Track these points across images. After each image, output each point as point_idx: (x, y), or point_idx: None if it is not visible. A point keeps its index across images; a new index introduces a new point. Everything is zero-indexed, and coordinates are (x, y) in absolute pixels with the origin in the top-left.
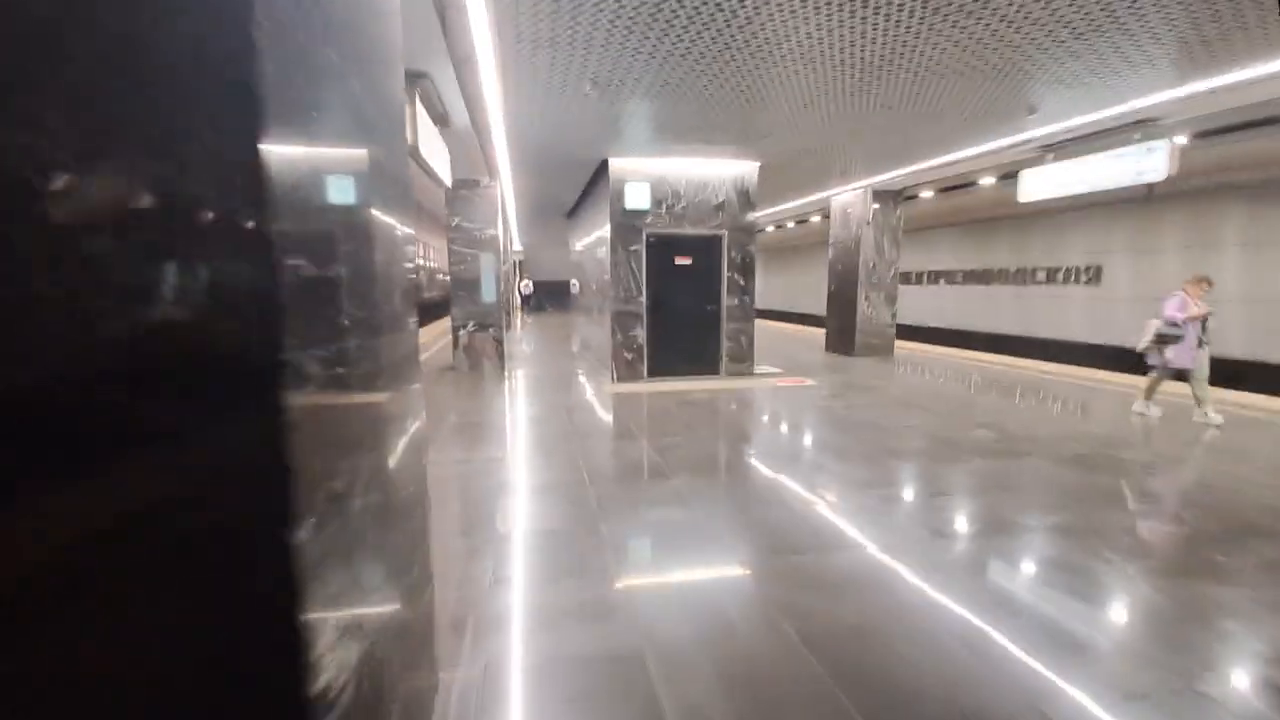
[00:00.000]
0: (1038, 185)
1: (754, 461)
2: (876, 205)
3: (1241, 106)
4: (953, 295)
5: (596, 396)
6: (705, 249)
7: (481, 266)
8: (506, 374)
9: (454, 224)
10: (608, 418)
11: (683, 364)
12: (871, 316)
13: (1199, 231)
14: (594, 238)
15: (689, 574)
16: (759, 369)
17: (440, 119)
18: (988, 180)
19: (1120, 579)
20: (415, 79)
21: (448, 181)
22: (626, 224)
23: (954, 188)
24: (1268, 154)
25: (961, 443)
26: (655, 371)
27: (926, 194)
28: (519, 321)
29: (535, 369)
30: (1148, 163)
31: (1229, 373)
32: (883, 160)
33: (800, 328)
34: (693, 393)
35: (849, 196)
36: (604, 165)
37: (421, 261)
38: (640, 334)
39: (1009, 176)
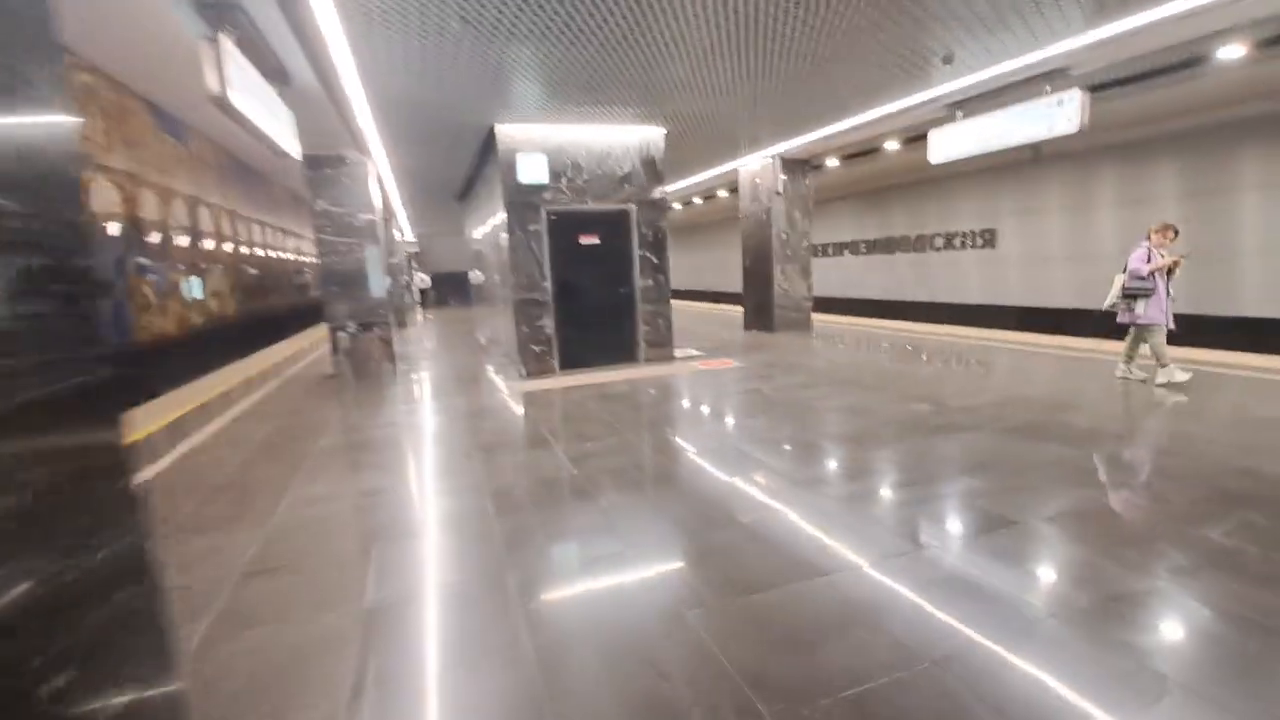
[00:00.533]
0: (948, 145)
1: (687, 465)
2: (785, 175)
3: (1136, 57)
4: (858, 266)
5: (503, 398)
6: (613, 226)
7: (361, 258)
8: (399, 379)
9: (319, 208)
10: (516, 424)
11: (598, 354)
12: (788, 290)
13: (1082, 192)
14: (492, 222)
15: (628, 639)
16: (679, 353)
17: (275, 73)
18: (893, 145)
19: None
20: (219, 10)
21: (293, 151)
22: (522, 201)
23: (859, 154)
24: (1144, 110)
25: (904, 420)
26: (568, 364)
27: (833, 162)
28: (419, 318)
29: (434, 370)
30: (1059, 116)
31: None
32: (790, 125)
33: (717, 306)
34: (611, 385)
35: (757, 167)
36: (491, 134)
37: (287, 255)
38: (548, 324)
39: (915, 140)
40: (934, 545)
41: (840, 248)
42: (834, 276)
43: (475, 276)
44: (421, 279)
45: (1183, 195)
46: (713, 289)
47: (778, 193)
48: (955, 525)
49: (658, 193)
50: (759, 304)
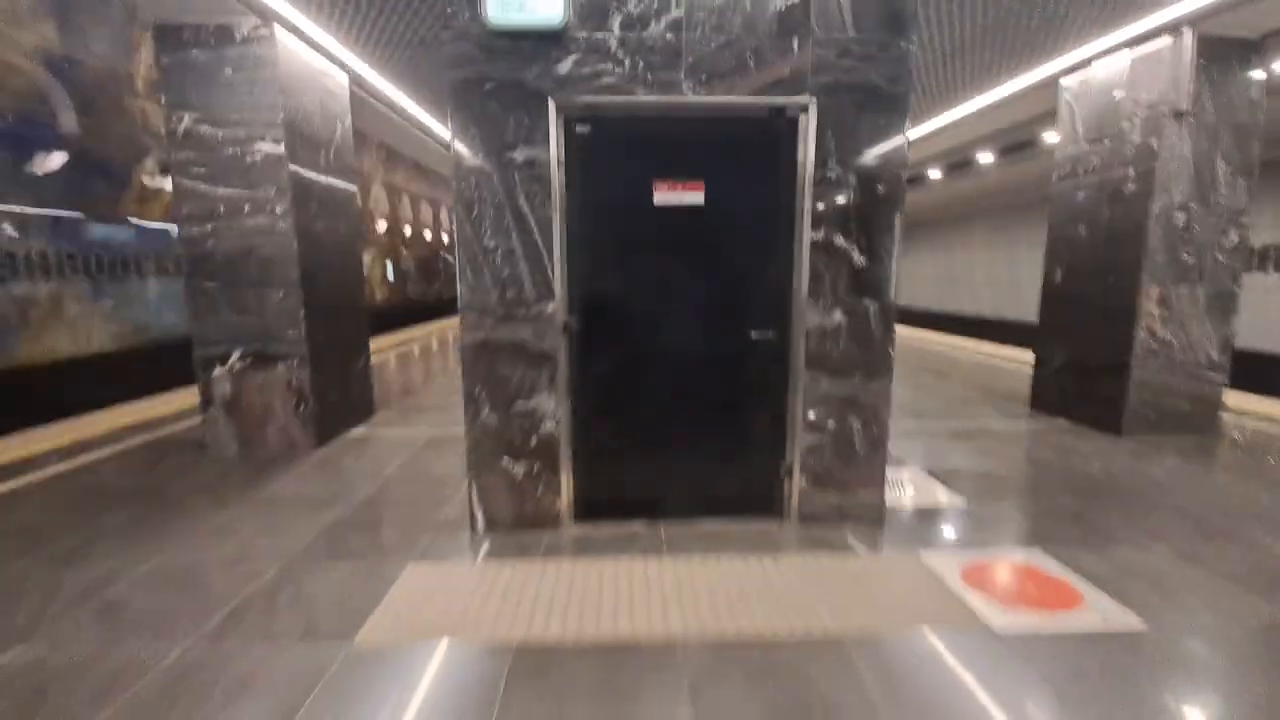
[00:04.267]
0: None
1: None
2: (1201, 75)
3: None
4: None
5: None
6: (746, 156)
7: (257, 226)
8: (296, 471)
9: (179, 129)
10: None
11: (672, 490)
12: (1175, 342)
13: None
14: None
15: None
16: (896, 493)
17: None
18: None
19: None
20: None
21: None
22: (500, 79)
23: None
24: None
25: None
26: (594, 508)
27: None
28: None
29: (376, 456)
30: None
31: None
32: None
33: (943, 341)
34: (676, 660)
35: (1118, 65)
36: None
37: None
38: (548, 407)
39: None
40: None
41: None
42: None
43: None
44: None
45: None
46: (940, 310)
47: (1180, 113)
48: None
49: (893, 62)
50: (1087, 365)
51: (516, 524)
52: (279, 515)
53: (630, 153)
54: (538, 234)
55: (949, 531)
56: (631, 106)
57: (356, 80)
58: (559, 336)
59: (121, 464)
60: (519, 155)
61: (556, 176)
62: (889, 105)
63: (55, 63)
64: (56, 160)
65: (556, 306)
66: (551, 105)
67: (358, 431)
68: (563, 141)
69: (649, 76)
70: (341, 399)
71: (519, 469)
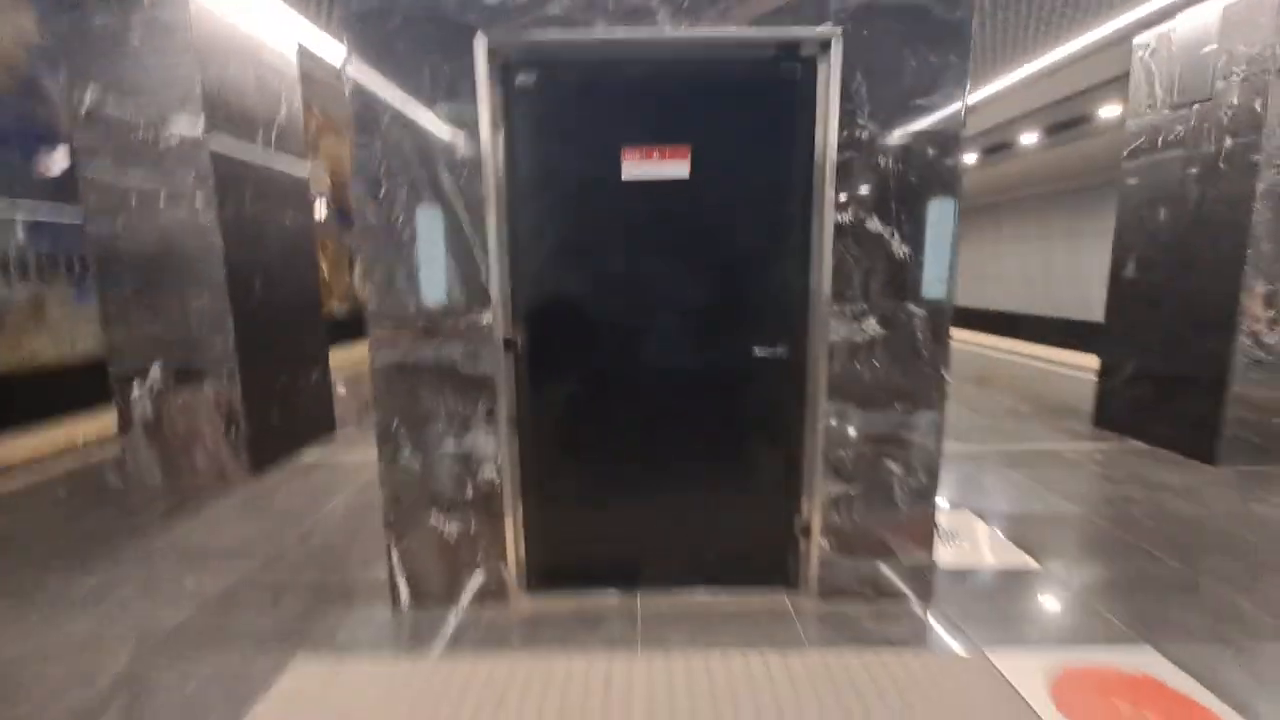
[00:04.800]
0: None
1: None
2: None
3: None
4: None
5: None
6: (744, 111)
7: (174, 223)
8: (230, 515)
9: (83, 109)
10: None
11: (652, 554)
12: None
13: None
14: None
15: None
16: (943, 550)
17: None
18: None
19: None
20: None
21: None
22: (409, 10)
23: None
24: None
25: None
26: (548, 577)
27: None
28: None
29: (346, 477)
30: None
31: None
32: None
33: (977, 339)
34: None
35: (1207, 13)
36: None
37: None
38: (490, 446)
39: None
40: None
41: None
42: None
43: None
44: None
45: None
46: (967, 305)
47: None
48: None
49: None
50: (1169, 376)
51: (450, 598)
52: (168, 574)
53: (590, 109)
54: (466, 219)
55: (1023, 614)
56: (589, 45)
57: (309, 52)
58: (499, 355)
59: (24, 499)
60: (439, 113)
61: (490, 141)
62: (944, 36)
63: (37, 54)
64: (60, 157)
65: (494, 315)
66: (480, 45)
67: (309, 455)
68: (498, 94)
69: (611, 4)
70: (287, 419)
71: (452, 527)
